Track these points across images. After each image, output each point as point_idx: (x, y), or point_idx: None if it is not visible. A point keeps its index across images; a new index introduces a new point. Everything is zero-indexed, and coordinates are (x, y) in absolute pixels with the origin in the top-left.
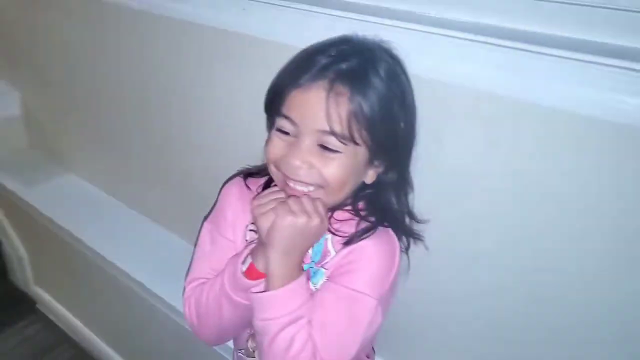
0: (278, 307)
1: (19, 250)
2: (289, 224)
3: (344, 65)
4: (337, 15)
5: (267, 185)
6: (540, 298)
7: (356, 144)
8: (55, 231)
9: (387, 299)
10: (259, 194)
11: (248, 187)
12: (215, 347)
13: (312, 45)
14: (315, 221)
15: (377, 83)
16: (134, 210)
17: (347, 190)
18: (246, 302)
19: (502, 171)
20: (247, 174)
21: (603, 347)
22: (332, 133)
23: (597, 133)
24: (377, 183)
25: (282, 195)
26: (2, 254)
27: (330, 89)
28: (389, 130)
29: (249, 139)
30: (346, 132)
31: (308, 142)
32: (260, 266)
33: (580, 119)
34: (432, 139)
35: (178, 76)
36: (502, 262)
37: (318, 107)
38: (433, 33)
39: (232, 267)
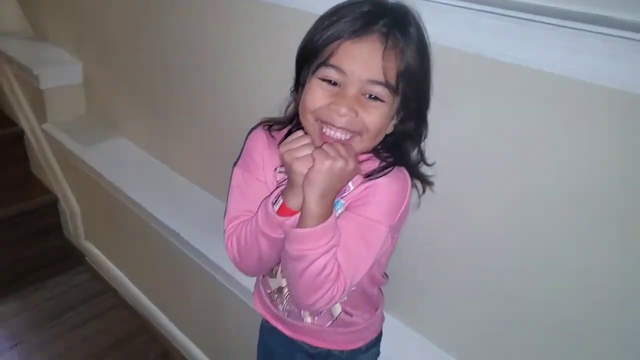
0: (316, 240)
1: (73, 206)
2: (327, 167)
3: (389, 20)
4: None
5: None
6: (538, 254)
7: (398, 94)
8: (105, 187)
9: (397, 227)
10: (282, 140)
11: (272, 136)
12: (241, 297)
13: (341, 3)
14: (351, 165)
15: (416, 37)
16: (175, 171)
17: (380, 137)
18: (282, 237)
19: (501, 131)
20: (270, 125)
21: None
22: (385, 84)
23: (592, 99)
24: (397, 132)
25: (309, 140)
26: (58, 210)
27: (386, 41)
28: (424, 83)
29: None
30: (395, 84)
31: (354, 91)
32: (291, 204)
33: (579, 85)
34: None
35: (223, 49)
36: (496, 216)
37: (374, 58)
38: (444, 3)
39: (264, 207)
